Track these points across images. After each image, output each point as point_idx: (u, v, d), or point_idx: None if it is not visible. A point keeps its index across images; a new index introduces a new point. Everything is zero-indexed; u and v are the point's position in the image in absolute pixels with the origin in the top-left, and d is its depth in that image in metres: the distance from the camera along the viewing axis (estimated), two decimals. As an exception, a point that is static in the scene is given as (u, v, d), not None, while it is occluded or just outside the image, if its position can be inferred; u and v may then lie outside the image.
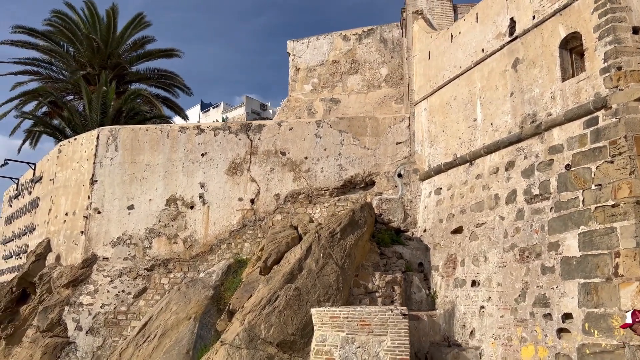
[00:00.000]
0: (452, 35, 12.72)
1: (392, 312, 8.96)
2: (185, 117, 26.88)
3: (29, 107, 22.38)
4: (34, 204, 17.73)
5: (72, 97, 23.40)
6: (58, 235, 15.22)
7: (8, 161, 19.00)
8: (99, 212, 14.29)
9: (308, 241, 10.71)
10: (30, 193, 18.67)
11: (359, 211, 11.34)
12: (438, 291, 11.36)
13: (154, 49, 25.05)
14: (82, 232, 14.34)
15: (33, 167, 18.70)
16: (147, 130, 14.90)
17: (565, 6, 9.27)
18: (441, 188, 12.29)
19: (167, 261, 13.61)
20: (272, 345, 9.11)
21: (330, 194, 13.59)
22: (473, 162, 11.27)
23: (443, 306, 10.86)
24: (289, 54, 26.65)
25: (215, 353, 9.32)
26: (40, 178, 17.68)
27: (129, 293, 13.22)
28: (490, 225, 10.21)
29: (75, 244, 14.44)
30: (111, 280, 13.45)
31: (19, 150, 23.78)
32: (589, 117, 8.53)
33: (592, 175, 8.20)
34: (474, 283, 10.27)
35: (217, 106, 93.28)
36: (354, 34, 25.48)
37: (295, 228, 12.25)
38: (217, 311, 11.50)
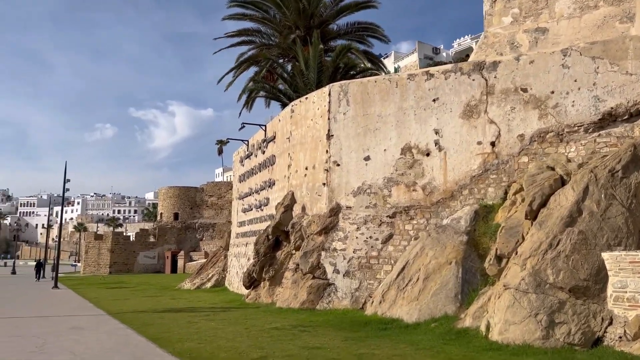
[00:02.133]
0: None
1: None
2: (385, 69, 27.02)
3: (249, 73, 24.63)
4: (270, 161, 19.64)
5: (282, 60, 25.06)
6: (300, 188, 16.66)
7: (244, 124, 21.24)
8: (338, 165, 15.17)
9: (582, 182, 9.88)
10: (263, 152, 20.72)
11: (645, 145, 10.04)
12: None
13: (350, 3, 25.37)
14: (324, 184, 15.45)
15: (264, 129, 20.62)
16: (375, 81, 15.19)
17: None
18: None
19: (408, 208, 13.93)
20: (563, 290, 8.72)
21: (585, 130, 12.31)
22: None
23: None
24: (484, -18, 24.71)
25: (498, 297, 9.27)
26: (274, 137, 19.43)
27: (377, 239, 13.94)
28: None
29: (319, 195, 15.65)
30: (357, 228, 14.31)
31: (240, 114, 26.46)
32: None
33: None
34: None
35: (387, 56, 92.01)
36: (564, -59, 22.52)
37: (552, 169, 11.43)
38: (477, 256, 11.47)
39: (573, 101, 12.57)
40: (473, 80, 13.79)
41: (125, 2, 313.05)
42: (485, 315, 9.50)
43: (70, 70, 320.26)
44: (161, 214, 65.44)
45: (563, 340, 8.33)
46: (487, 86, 13.60)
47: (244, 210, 23.45)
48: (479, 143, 13.46)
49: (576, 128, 12.43)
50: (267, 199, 19.87)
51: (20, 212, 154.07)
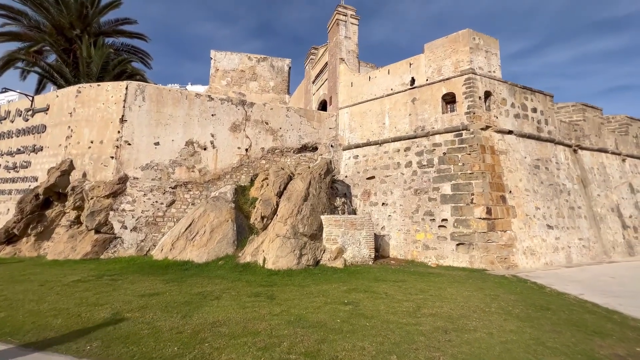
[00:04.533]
0: (370, 77, 12.87)
1: (365, 218, 9.25)
2: (146, 80, 20.65)
3: (10, 47, 14.02)
4: (38, 129, 11.71)
5: (52, 48, 15.55)
6: (82, 158, 10.57)
7: (5, 89, 11.71)
8: (129, 144, 10.45)
9: (307, 178, 10.01)
10: (26, 120, 12.17)
11: (329, 163, 11.04)
12: (357, 208, 11.90)
13: (127, 30, 18.25)
14: (112, 157, 10.31)
15: (31, 98, 12.16)
16: (169, 90, 11.25)
17: (447, 79, 10.45)
18: (358, 155, 12.62)
19: (187, 183, 10.92)
20: (306, 236, 8.51)
21: (294, 151, 12.71)
22: (382, 144, 11.86)
23: (363, 215, 11.49)
24: (211, 58, 23.06)
25: (272, 241, 8.22)
26: (47, 109, 11.68)
27: (162, 203, 10.25)
28: (394, 177, 11.08)
29: (105, 166, 10.32)
30: (145, 194, 10.18)
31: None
32: (457, 132, 9.99)
33: (458, 159, 9.74)
34: (383, 204, 11.09)
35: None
36: (255, 57, 23.45)
37: (283, 169, 11.20)
38: (244, 216, 9.92)
39: (290, 135, 12.75)
40: (238, 109, 12.12)
41: None
42: (261, 254, 8.29)
43: None
44: None
45: (305, 264, 8.15)
46: (247, 115, 12.21)
47: (-15, 169, 13.12)
48: (239, 148, 11.90)
49: (290, 150, 12.67)
50: (29, 162, 11.71)
51: None
